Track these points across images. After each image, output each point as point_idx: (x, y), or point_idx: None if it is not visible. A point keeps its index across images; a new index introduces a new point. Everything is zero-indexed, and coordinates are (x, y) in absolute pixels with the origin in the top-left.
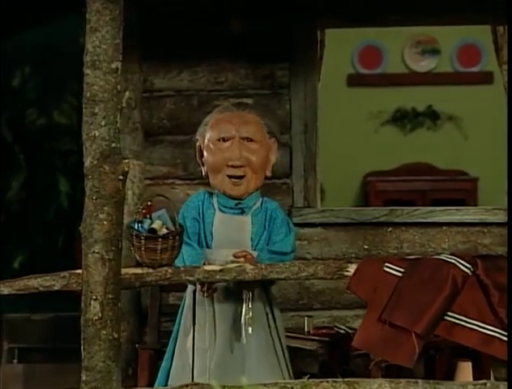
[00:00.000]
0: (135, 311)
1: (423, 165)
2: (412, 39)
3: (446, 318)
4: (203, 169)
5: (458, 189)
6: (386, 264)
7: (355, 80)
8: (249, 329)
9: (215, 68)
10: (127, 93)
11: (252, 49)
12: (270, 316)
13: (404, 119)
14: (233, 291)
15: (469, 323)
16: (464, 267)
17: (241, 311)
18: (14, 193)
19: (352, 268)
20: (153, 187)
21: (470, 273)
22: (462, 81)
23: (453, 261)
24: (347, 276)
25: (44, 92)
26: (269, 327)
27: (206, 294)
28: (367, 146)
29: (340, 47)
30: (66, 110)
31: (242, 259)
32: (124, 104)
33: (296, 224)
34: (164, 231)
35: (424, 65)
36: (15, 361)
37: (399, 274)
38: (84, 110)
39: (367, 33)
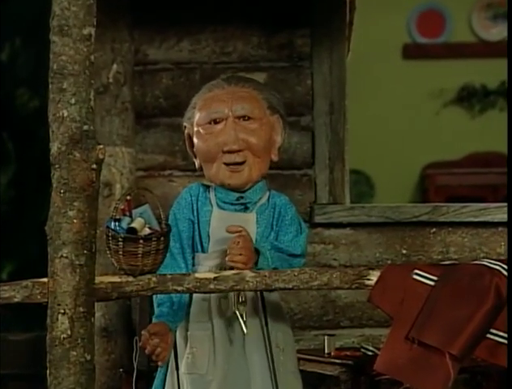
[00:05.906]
0: (124, 329)
1: (494, 155)
2: (482, 1)
3: (489, 336)
4: (196, 162)
5: None
6: (416, 271)
7: (412, 51)
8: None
9: (221, 35)
10: (115, 66)
11: (266, 13)
12: (277, 335)
13: (472, 98)
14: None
15: None
16: None
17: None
18: (2, 190)
19: (374, 276)
20: (147, 180)
21: None
22: None
23: (497, 267)
24: (368, 286)
25: (38, 69)
26: (277, 347)
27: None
28: (426, 131)
29: (394, 11)
30: None
31: (237, 234)
32: (111, 80)
33: (319, 225)
34: (147, 231)
35: (496, 32)
36: None
37: (431, 283)
38: (51, 86)
39: None
